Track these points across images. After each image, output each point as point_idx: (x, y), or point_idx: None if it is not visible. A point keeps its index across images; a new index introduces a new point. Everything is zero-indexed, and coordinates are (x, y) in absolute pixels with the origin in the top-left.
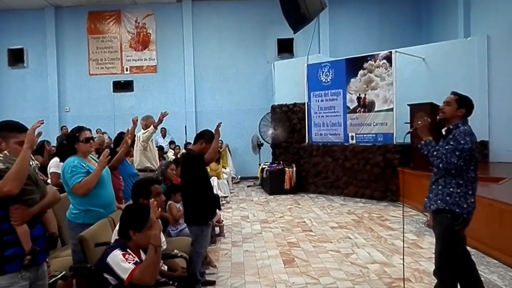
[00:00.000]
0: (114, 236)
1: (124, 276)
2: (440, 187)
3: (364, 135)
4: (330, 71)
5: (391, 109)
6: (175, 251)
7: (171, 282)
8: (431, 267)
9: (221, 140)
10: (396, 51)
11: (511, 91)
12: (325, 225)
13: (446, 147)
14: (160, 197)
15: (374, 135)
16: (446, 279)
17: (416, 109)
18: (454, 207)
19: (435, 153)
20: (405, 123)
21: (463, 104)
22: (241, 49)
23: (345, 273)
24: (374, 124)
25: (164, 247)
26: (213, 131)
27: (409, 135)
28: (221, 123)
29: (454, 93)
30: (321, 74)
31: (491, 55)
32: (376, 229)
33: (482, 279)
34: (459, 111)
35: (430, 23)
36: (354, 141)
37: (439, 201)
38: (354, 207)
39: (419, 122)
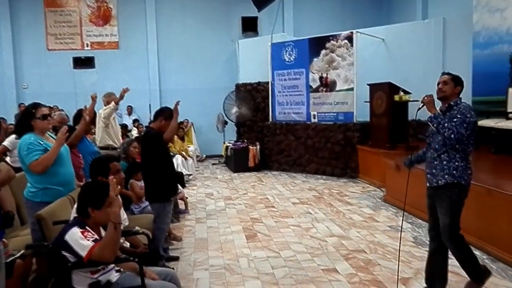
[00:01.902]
0: (73, 214)
1: (83, 253)
2: (445, 162)
3: (326, 114)
4: (294, 50)
5: (352, 89)
6: (136, 228)
7: (131, 258)
8: (385, 239)
9: (186, 119)
10: (357, 32)
11: (463, 73)
12: (287, 201)
13: (454, 119)
14: (120, 175)
15: (335, 114)
16: (460, 245)
17: (375, 89)
18: (461, 180)
19: (446, 124)
20: (365, 102)
21: (458, 82)
22: (206, 27)
23: (304, 246)
24: (335, 103)
25: (126, 224)
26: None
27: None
28: (179, 101)
29: (447, 73)
30: (284, 53)
31: (446, 37)
32: (335, 204)
33: None
34: (456, 88)
35: (391, 4)
36: (316, 120)
37: (446, 176)
38: (315, 184)
39: (425, 98)
